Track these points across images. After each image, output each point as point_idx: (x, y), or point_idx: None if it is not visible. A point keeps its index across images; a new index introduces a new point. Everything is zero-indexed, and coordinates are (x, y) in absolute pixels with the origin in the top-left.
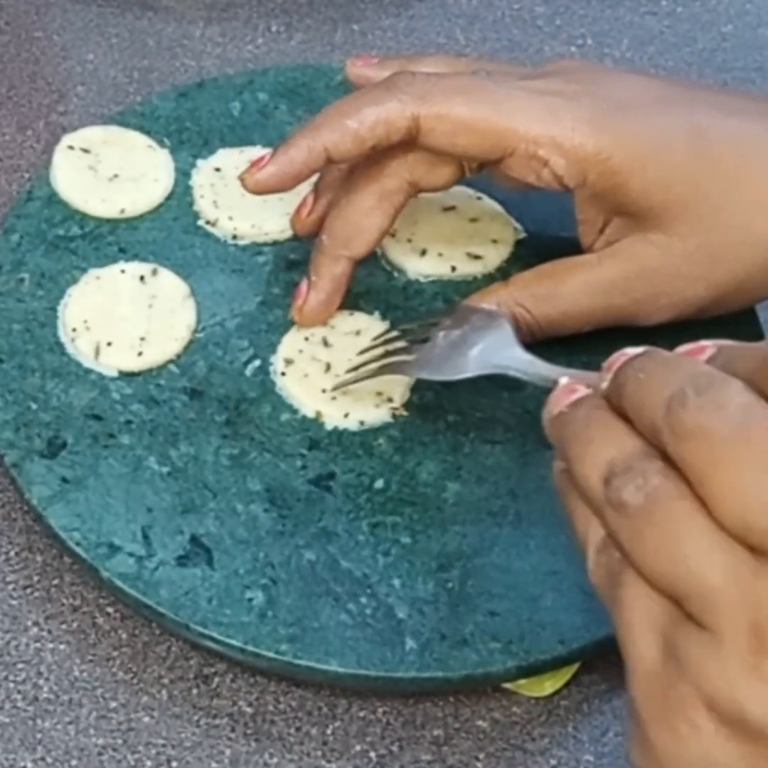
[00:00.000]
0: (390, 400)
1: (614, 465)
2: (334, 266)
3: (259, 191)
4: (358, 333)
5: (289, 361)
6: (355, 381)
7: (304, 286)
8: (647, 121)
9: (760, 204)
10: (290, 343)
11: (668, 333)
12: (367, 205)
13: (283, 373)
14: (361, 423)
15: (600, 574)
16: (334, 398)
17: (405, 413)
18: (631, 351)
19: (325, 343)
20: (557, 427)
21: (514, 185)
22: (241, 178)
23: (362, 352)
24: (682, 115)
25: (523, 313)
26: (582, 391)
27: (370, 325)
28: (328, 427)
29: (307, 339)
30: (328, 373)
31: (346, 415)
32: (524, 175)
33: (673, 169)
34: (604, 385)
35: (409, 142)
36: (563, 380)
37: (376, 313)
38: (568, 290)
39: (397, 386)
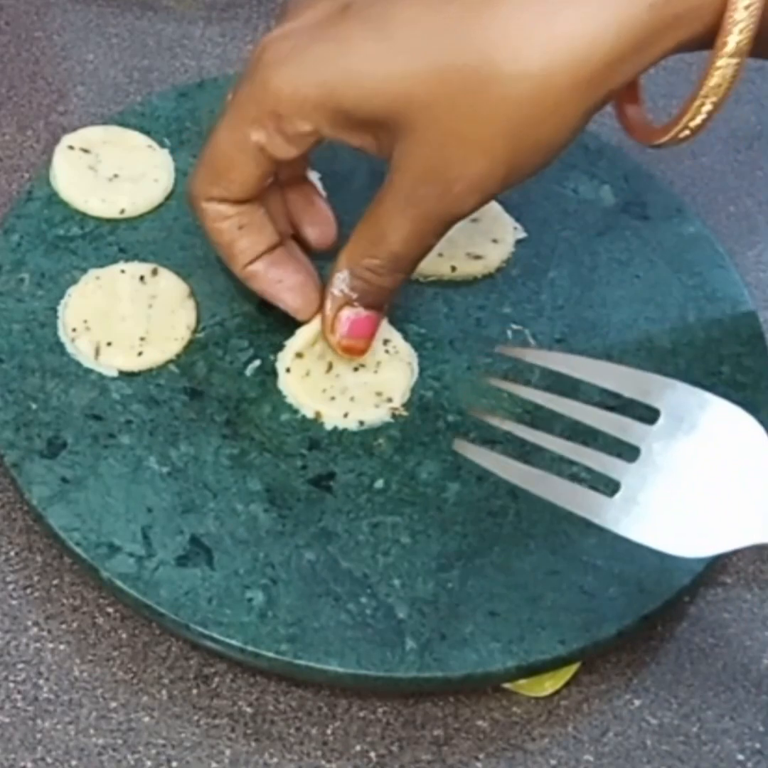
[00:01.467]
0: (390, 400)
1: None
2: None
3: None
4: None
5: (299, 355)
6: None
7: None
8: (331, 43)
9: (475, 46)
10: (303, 336)
11: (669, 334)
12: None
13: (287, 370)
14: (361, 423)
15: None
16: (333, 398)
17: (405, 413)
18: None
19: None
20: None
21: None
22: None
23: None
24: (353, 10)
25: (370, 262)
26: None
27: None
28: (328, 427)
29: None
30: (330, 373)
31: (345, 415)
32: (287, 152)
33: (365, 69)
34: None
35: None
36: None
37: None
38: (386, 220)
39: (397, 386)
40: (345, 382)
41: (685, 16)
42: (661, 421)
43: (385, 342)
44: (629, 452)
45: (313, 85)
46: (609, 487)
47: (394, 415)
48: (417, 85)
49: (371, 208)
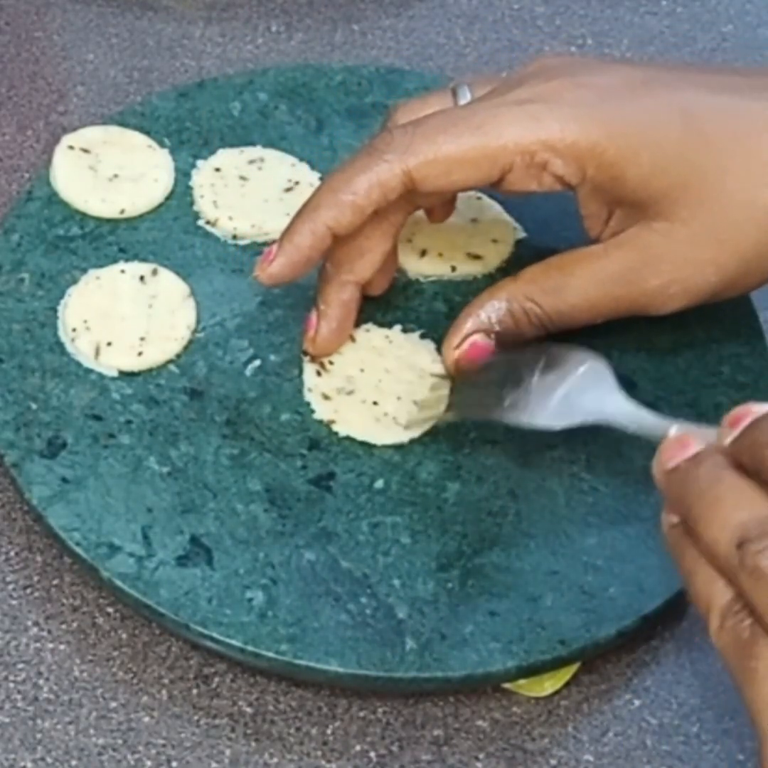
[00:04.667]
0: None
1: (748, 528)
2: (342, 293)
3: (273, 284)
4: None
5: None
6: (432, 418)
7: (313, 316)
8: (634, 106)
9: (759, 177)
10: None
11: (670, 331)
12: (367, 228)
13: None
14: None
15: (726, 640)
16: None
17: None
18: (757, 408)
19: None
20: (675, 482)
21: (519, 195)
22: (255, 276)
23: (434, 385)
24: (669, 95)
25: (532, 308)
26: (696, 444)
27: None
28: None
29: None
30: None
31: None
32: (526, 185)
33: (667, 152)
34: (728, 441)
35: (410, 192)
36: (673, 431)
37: (397, 327)
38: (576, 282)
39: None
40: None
41: None
42: None
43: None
44: None
45: (611, 146)
46: None
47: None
48: (699, 185)
49: (563, 260)
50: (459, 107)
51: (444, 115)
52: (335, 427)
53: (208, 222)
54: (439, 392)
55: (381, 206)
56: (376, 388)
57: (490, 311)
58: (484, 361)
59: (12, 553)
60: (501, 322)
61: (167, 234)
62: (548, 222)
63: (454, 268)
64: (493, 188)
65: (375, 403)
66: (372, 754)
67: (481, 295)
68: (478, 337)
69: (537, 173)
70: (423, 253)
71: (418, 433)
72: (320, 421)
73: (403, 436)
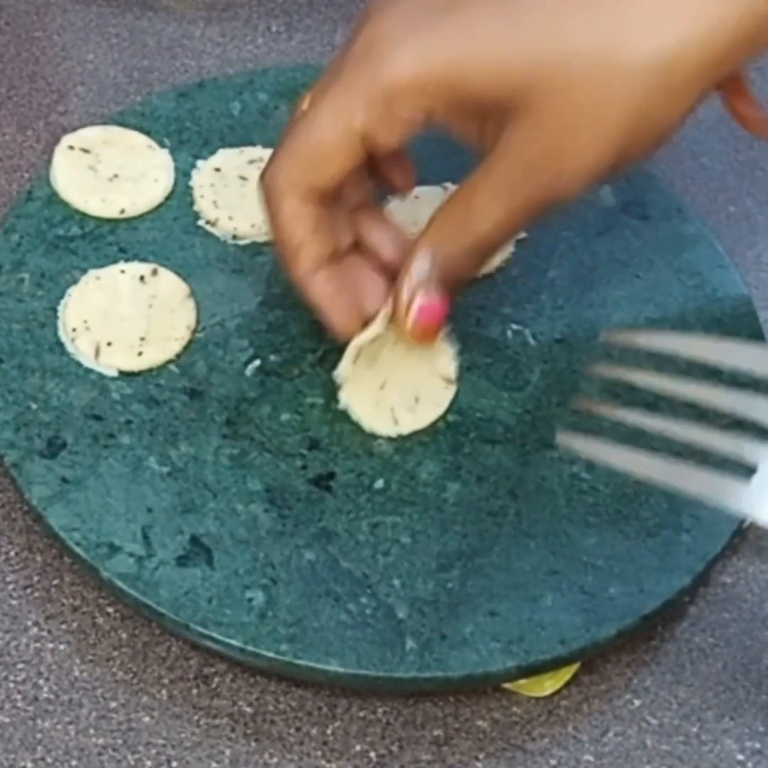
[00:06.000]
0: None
1: None
2: (317, 285)
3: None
4: None
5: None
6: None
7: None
8: (452, 23)
9: (603, 31)
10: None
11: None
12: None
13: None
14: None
15: None
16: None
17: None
18: None
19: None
20: None
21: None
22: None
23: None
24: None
25: (451, 251)
26: None
27: None
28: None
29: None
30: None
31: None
32: (390, 140)
33: (500, 50)
34: None
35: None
36: None
37: None
38: (478, 211)
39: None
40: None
41: None
42: None
43: None
44: (763, 435)
45: (435, 66)
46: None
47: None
48: (543, 69)
49: (459, 194)
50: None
51: (287, 133)
52: (341, 393)
53: (208, 222)
54: (441, 395)
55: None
56: (390, 372)
57: (416, 271)
58: (443, 321)
59: (12, 553)
60: (432, 274)
61: (167, 234)
62: (548, 222)
63: None
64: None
65: (382, 386)
66: (372, 754)
67: (404, 260)
68: (421, 300)
69: (390, 127)
70: None
71: (408, 431)
72: (333, 381)
73: (392, 431)
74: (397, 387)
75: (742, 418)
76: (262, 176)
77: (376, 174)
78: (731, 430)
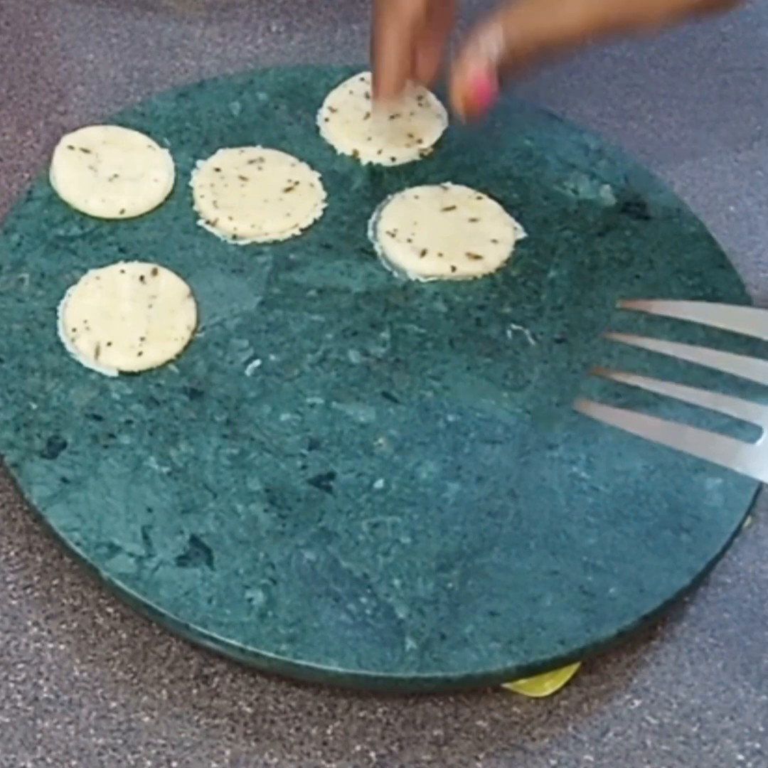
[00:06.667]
0: (420, 141)
1: None
2: (396, 30)
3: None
4: None
5: (332, 110)
6: None
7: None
8: None
9: None
10: (335, 96)
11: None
12: None
13: (326, 120)
14: (393, 159)
15: None
16: (369, 139)
17: (432, 151)
18: None
19: (367, 96)
20: None
21: None
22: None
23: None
24: None
25: (527, 33)
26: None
27: None
28: (363, 163)
29: (350, 92)
30: (366, 119)
31: (379, 152)
32: None
33: None
34: None
35: None
36: None
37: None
38: (562, 3)
39: (429, 128)
40: (381, 127)
41: None
42: None
43: (419, 97)
44: None
45: None
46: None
47: (421, 155)
48: None
49: None
50: None
51: None
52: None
53: (208, 222)
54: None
55: None
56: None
57: (486, 41)
58: (489, 103)
59: (12, 553)
60: (500, 50)
61: (167, 234)
62: (548, 222)
63: (454, 268)
64: None
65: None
66: (372, 754)
67: (477, 27)
68: (482, 67)
69: None
70: (423, 253)
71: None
72: (333, 381)
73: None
74: (393, 129)
75: (747, 381)
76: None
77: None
78: (737, 392)
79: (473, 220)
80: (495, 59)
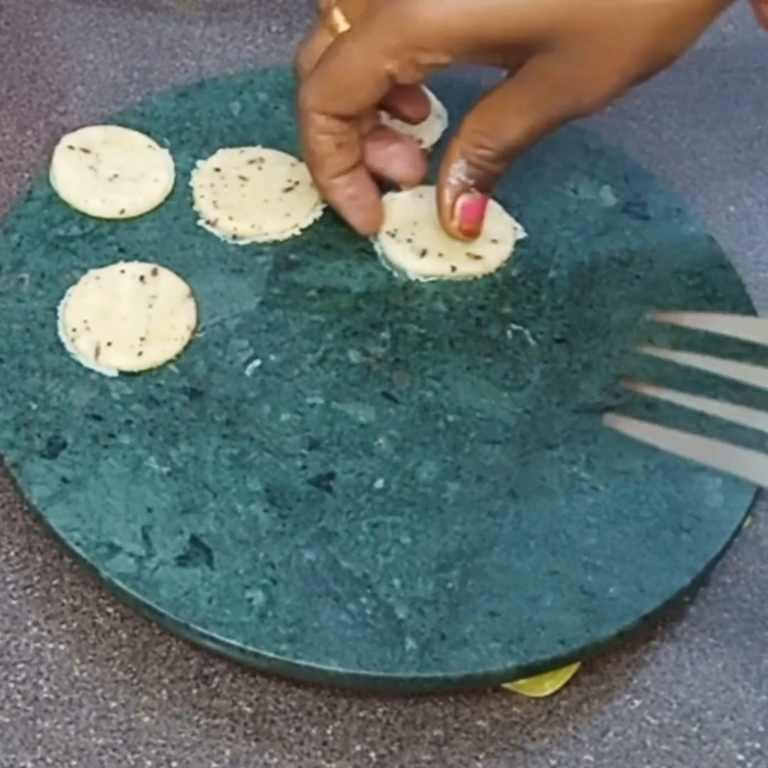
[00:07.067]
0: (420, 141)
1: None
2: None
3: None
4: None
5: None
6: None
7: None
8: None
9: None
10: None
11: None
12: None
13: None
14: None
15: None
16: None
17: (431, 151)
18: None
19: None
20: None
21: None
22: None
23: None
24: None
25: (485, 153)
26: None
27: None
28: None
29: None
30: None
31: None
32: (414, 77)
33: (516, 2)
34: None
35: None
36: None
37: None
38: (507, 119)
39: (429, 128)
40: None
41: None
42: None
43: None
44: None
45: (462, 18)
46: None
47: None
48: (562, 14)
49: (488, 102)
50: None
51: (323, 57)
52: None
53: (208, 222)
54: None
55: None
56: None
57: (454, 174)
58: (484, 215)
59: (12, 553)
60: (470, 175)
61: (167, 234)
62: (548, 222)
63: (454, 268)
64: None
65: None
66: (372, 754)
67: (441, 165)
68: (463, 199)
69: (416, 68)
70: (423, 253)
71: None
72: (333, 381)
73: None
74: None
75: None
76: (297, 91)
77: (390, 105)
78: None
79: None
80: (469, 181)
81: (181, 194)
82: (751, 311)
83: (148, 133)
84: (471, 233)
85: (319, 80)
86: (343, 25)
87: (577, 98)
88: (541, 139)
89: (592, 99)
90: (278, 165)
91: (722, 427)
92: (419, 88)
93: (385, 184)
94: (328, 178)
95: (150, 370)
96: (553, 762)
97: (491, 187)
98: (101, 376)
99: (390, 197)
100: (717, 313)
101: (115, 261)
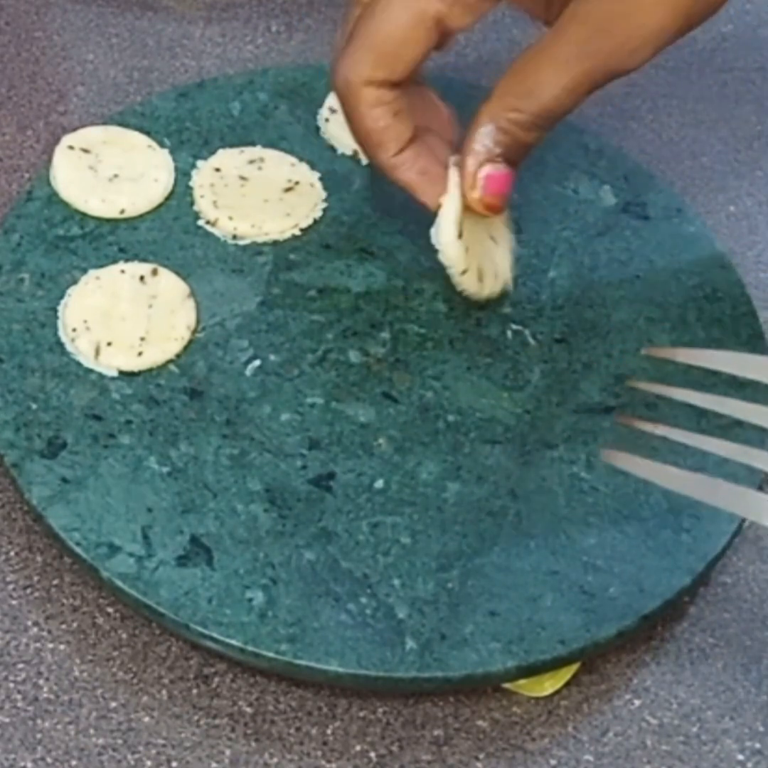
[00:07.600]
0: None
1: None
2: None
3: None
4: None
5: (333, 110)
6: None
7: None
8: None
9: None
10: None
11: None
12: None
13: (326, 120)
14: None
15: None
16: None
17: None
18: None
19: None
20: None
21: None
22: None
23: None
24: None
25: (517, 117)
26: None
27: None
28: (363, 163)
29: None
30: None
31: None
32: (466, 22)
33: None
34: None
35: None
36: None
37: None
38: (545, 76)
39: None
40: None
41: None
42: None
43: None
44: None
45: None
46: None
47: None
48: None
49: (522, 62)
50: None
51: (357, 25)
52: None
53: (208, 222)
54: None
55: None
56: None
57: (481, 140)
58: (509, 191)
59: (12, 553)
60: (498, 143)
61: (167, 234)
62: (548, 222)
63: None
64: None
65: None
66: (372, 754)
67: (467, 130)
68: (488, 169)
69: (463, 8)
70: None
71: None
72: (333, 381)
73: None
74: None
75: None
76: (335, 71)
77: None
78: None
79: None
80: (496, 150)
81: (181, 194)
82: (751, 311)
83: (148, 133)
84: (493, 208)
85: (360, 48)
86: None
87: (624, 40)
88: (581, 101)
89: (639, 41)
90: (278, 165)
91: (718, 463)
92: (442, 109)
93: None
94: (392, 155)
95: (150, 370)
96: (553, 762)
97: (520, 159)
98: (101, 376)
99: None
100: (712, 349)
101: (115, 261)
